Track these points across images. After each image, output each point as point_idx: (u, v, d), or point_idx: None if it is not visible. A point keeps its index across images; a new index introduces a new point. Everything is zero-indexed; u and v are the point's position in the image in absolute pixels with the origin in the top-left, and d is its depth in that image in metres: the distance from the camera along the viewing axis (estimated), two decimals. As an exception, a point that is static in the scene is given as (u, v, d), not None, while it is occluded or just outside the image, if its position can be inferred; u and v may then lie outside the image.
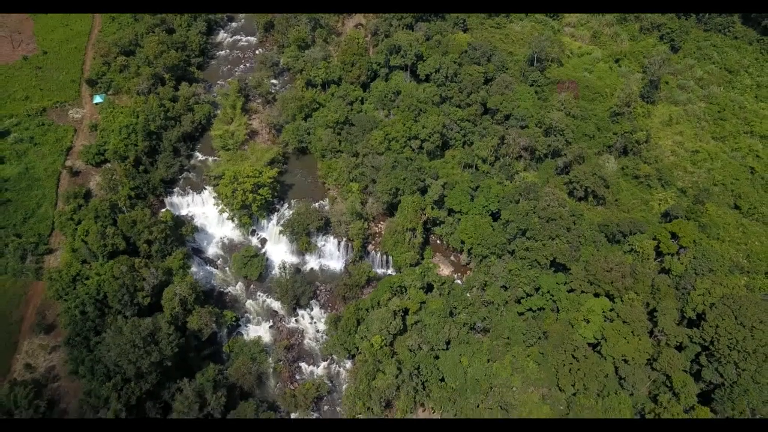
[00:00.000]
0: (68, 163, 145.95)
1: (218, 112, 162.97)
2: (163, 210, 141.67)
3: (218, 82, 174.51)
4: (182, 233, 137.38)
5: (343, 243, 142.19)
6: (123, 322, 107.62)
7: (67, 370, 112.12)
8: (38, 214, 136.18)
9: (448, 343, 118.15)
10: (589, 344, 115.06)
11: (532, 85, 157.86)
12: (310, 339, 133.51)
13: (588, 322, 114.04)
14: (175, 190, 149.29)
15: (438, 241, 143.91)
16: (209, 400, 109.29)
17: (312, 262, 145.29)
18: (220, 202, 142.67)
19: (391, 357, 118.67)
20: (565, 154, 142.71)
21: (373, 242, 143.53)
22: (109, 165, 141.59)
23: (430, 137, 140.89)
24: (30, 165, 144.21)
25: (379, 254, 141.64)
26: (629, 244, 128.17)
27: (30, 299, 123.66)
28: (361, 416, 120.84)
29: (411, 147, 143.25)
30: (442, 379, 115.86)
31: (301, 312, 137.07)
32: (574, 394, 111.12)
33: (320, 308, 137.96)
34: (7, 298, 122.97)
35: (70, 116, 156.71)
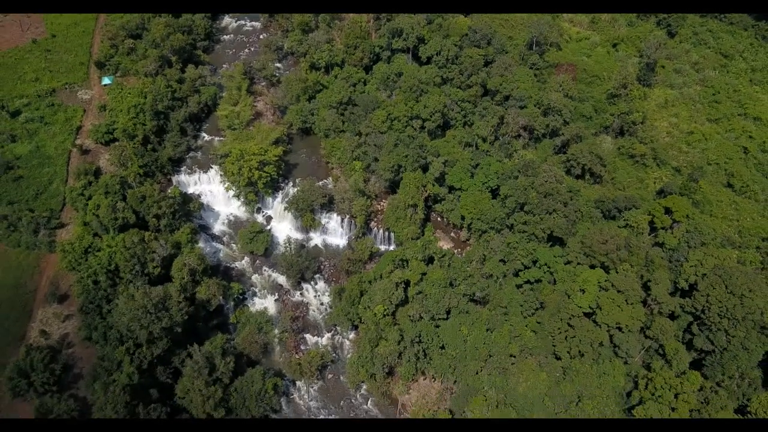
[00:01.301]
0: (78, 141, 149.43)
1: (224, 94, 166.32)
2: (172, 186, 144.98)
3: (223, 65, 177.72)
4: (190, 209, 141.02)
5: (346, 220, 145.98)
6: (135, 290, 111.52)
7: (80, 337, 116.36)
8: (50, 190, 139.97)
9: (448, 312, 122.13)
10: (585, 314, 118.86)
11: (531, 68, 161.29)
12: (314, 311, 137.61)
13: (583, 292, 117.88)
14: (182, 168, 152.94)
15: (439, 218, 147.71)
16: (218, 366, 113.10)
17: (316, 239, 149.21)
18: (226, 179, 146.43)
19: (393, 326, 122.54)
20: (563, 134, 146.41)
21: (376, 219, 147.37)
22: (118, 143, 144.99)
23: (431, 117, 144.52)
24: (41, 143, 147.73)
25: (381, 231, 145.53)
26: (624, 220, 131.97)
27: (43, 271, 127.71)
28: (364, 384, 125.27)
29: (413, 126, 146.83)
30: (443, 347, 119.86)
31: (305, 286, 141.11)
32: (571, 360, 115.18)
33: (324, 282, 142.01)
34: (21, 270, 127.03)
35: (79, 97, 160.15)
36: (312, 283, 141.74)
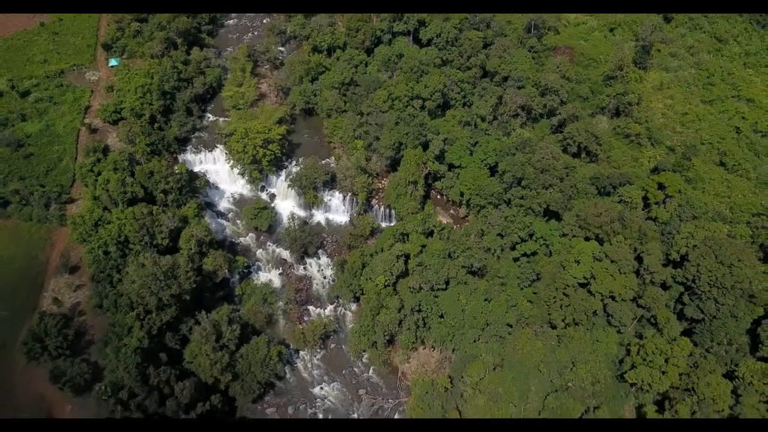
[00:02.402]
0: (86, 120, 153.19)
1: (228, 75, 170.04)
2: (178, 164, 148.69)
3: (227, 48, 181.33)
4: (196, 186, 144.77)
5: (348, 197, 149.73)
6: (144, 258, 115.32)
7: (91, 305, 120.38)
8: (60, 167, 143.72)
9: (447, 283, 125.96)
10: (580, 284, 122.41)
11: (529, 51, 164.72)
12: (317, 285, 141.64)
13: (578, 263, 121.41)
14: (188, 148, 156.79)
15: (438, 196, 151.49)
16: (224, 333, 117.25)
17: (319, 216, 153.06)
18: (231, 158, 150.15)
19: (394, 296, 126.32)
20: (560, 113, 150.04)
21: (377, 197, 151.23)
22: (127, 120, 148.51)
23: (431, 96, 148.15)
24: (50, 122, 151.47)
25: (382, 208, 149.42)
26: (619, 195, 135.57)
27: (54, 243, 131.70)
28: (365, 353, 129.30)
29: (413, 106, 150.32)
30: (442, 316, 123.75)
31: (308, 260, 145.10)
32: (566, 327, 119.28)
33: (327, 257, 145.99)
34: (33, 243, 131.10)
35: (87, 78, 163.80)
36: (315, 258, 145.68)
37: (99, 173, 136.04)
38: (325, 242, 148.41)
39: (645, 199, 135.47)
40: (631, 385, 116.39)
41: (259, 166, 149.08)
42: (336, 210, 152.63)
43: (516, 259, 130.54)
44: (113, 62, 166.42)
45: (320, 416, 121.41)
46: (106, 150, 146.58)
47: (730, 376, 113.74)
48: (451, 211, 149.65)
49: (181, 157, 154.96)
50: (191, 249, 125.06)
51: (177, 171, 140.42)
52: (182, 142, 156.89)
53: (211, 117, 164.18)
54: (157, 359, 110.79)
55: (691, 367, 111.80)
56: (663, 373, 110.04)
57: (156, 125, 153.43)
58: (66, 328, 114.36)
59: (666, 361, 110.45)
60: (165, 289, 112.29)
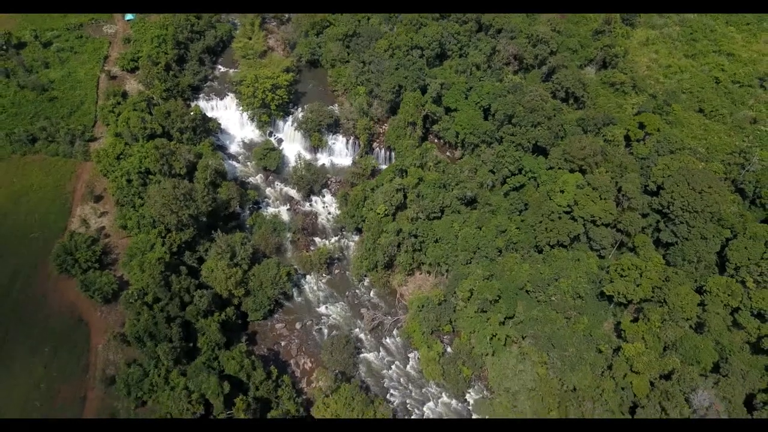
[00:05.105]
0: (106, 68, 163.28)
1: (238, 30, 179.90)
2: (193, 105, 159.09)
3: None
4: (209, 127, 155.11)
5: (351, 141, 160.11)
6: (165, 182, 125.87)
7: (116, 226, 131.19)
8: (82, 109, 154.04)
9: (442, 212, 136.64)
10: (565, 213, 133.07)
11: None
12: (322, 219, 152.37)
13: (563, 192, 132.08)
14: (200, 95, 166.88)
15: (435, 140, 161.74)
16: (238, 253, 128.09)
17: (323, 159, 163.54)
18: (242, 103, 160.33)
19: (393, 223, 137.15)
20: (550, 62, 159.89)
21: (378, 140, 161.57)
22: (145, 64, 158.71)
23: (429, 45, 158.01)
24: (72, 70, 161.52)
25: (383, 150, 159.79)
26: (602, 135, 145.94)
27: (80, 175, 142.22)
28: (366, 277, 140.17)
29: (412, 56, 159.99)
30: (437, 241, 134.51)
31: (314, 198, 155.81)
32: (551, 249, 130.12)
33: (331, 196, 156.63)
34: (59, 174, 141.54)
35: (105, 31, 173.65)
36: (320, 196, 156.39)
37: (119, 114, 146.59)
38: (329, 182, 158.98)
39: (627, 138, 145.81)
40: (609, 300, 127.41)
41: (267, 111, 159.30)
42: (339, 153, 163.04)
43: (506, 194, 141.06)
44: (129, 16, 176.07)
45: (325, 331, 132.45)
46: (124, 95, 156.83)
47: (699, 291, 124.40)
48: (447, 154, 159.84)
49: (193, 104, 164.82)
50: (207, 178, 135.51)
51: (192, 112, 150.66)
52: (195, 90, 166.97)
53: (221, 68, 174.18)
54: (177, 271, 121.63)
55: (663, 281, 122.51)
56: (637, 285, 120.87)
57: (171, 73, 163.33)
58: (94, 245, 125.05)
59: (640, 275, 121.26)
60: (184, 209, 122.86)
